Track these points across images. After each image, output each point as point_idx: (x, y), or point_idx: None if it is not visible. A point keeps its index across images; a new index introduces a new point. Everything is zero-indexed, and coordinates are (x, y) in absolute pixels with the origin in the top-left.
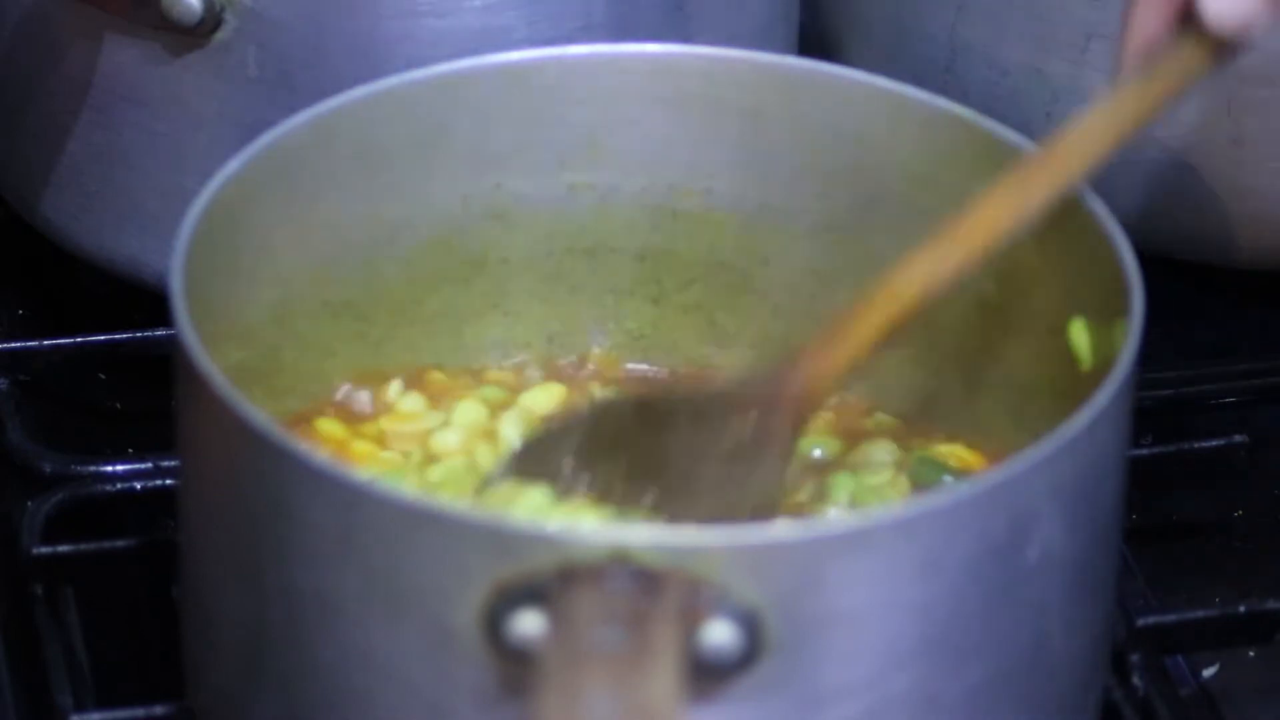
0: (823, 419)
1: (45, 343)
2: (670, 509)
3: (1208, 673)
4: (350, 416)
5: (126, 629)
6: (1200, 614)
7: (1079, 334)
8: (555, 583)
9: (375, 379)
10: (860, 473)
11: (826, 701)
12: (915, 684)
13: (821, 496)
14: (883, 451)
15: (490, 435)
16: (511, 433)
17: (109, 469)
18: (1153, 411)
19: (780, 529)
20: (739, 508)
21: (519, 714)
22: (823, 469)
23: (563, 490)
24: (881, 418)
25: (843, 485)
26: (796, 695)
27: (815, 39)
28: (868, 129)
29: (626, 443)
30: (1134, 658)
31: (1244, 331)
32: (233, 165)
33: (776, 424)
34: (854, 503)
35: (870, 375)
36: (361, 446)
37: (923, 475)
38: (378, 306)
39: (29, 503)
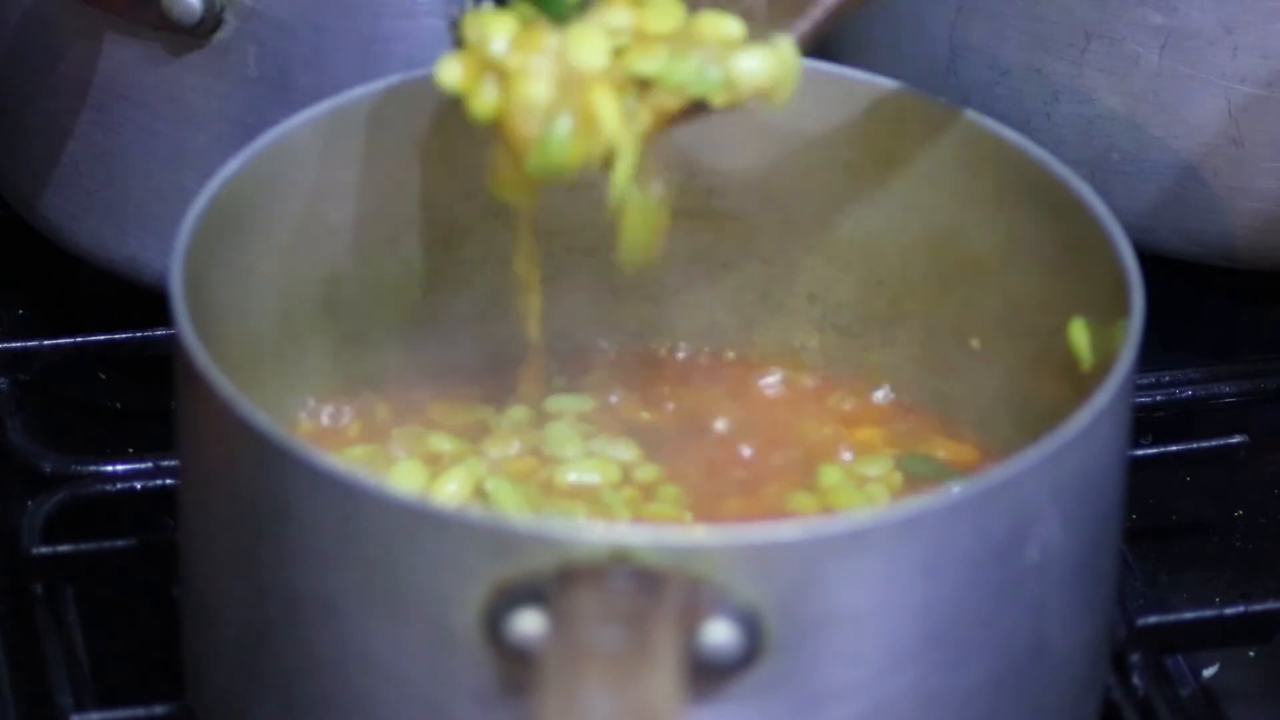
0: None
1: (45, 343)
2: None
3: (1208, 673)
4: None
5: (126, 629)
6: (1200, 614)
7: (1079, 334)
8: (555, 583)
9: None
10: (850, 464)
11: (826, 701)
12: (915, 684)
13: (810, 483)
14: (874, 444)
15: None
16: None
17: (109, 469)
18: (1153, 411)
19: (780, 529)
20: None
21: (519, 714)
22: (815, 454)
23: None
24: (881, 404)
25: (829, 475)
26: (796, 695)
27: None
28: (868, 129)
29: None
30: (1134, 658)
31: (1244, 331)
32: (233, 165)
33: None
34: (839, 495)
35: (871, 373)
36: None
37: (914, 468)
38: (378, 307)
39: (29, 503)
